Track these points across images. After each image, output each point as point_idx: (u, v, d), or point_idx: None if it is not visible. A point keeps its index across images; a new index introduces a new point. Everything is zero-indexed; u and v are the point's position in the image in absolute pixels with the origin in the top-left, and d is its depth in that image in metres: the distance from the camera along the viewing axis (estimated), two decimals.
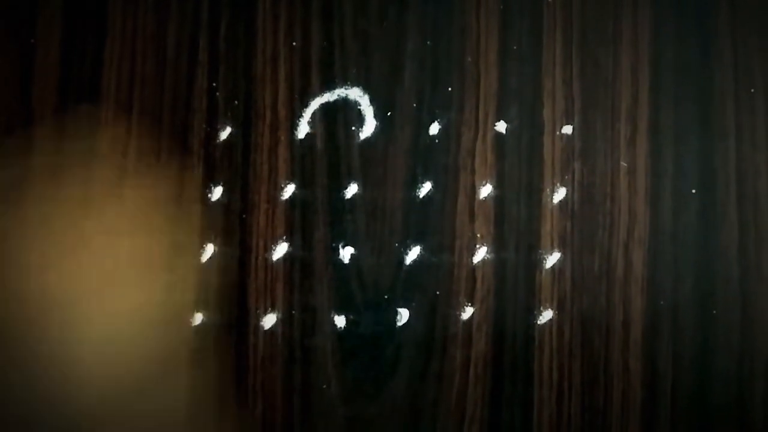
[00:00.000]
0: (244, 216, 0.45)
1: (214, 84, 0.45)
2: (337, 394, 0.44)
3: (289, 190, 0.45)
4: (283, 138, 0.45)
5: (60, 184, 0.35)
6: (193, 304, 0.43)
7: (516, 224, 0.45)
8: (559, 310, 0.45)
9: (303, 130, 0.45)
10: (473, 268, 0.45)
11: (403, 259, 0.45)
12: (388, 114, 0.46)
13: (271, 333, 0.44)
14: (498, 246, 0.45)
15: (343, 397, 0.44)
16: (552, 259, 0.45)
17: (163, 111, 0.45)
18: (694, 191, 0.46)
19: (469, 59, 0.46)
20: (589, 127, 0.46)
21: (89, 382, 0.30)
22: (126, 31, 0.46)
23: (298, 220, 0.45)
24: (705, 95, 0.47)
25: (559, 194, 0.46)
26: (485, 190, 0.45)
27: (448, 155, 0.46)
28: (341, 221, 0.45)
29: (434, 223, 0.45)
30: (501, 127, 0.46)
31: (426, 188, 0.45)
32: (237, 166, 0.45)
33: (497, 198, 0.45)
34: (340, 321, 0.44)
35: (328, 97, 0.46)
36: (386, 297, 0.45)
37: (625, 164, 0.46)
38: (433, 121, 0.46)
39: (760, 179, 0.46)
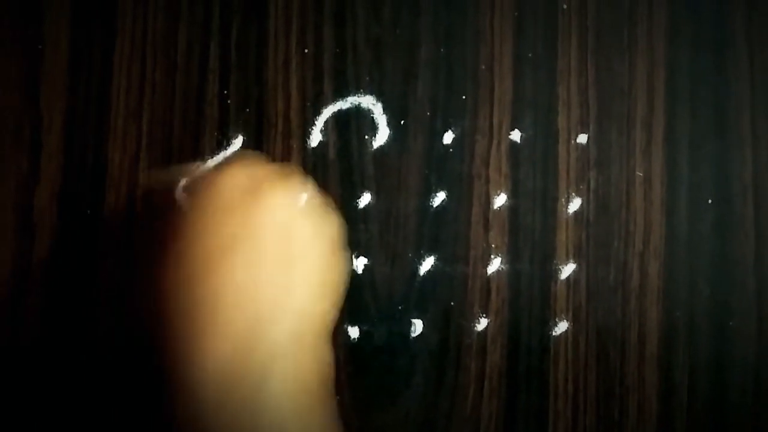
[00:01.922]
0: None
1: (225, 91, 0.45)
2: (350, 405, 0.44)
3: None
4: (295, 146, 0.45)
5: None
6: None
7: (531, 234, 0.45)
8: (575, 322, 0.45)
9: (315, 138, 0.45)
10: (488, 279, 0.45)
11: (416, 270, 0.44)
12: (402, 122, 0.45)
13: None
14: (513, 256, 0.45)
15: (357, 409, 0.44)
16: (567, 269, 0.45)
17: (173, 118, 0.45)
18: (710, 201, 0.45)
19: (483, 67, 0.46)
20: (605, 136, 0.46)
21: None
22: (135, 36, 0.45)
23: None
24: (721, 103, 0.46)
25: (574, 204, 0.45)
26: (500, 200, 0.45)
27: (462, 164, 0.45)
28: (354, 231, 0.44)
29: (448, 233, 0.45)
30: (515, 135, 0.45)
31: (440, 198, 0.45)
32: None
33: (512, 208, 0.45)
34: (353, 332, 0.44)
35: (341, 104, 0.45)
36: (400, 308, 0.44)
37: (641, 173, 0.45)
38: (447, 130, 0.45)
39: None
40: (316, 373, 0.32)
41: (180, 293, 0.31)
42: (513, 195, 0.45)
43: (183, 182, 0.41)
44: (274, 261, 0.31)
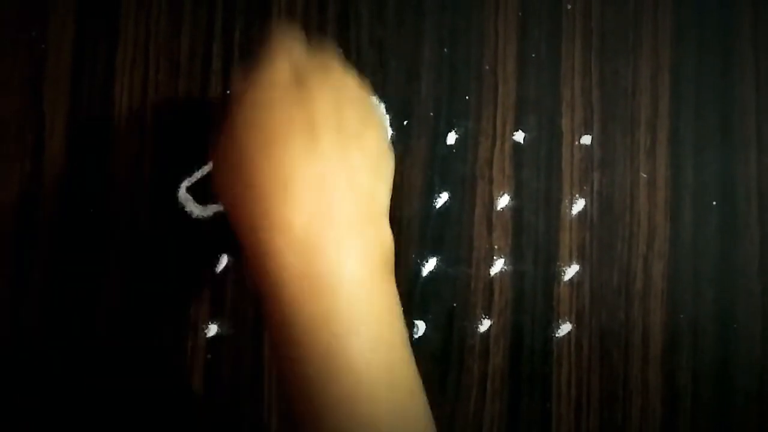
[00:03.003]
0: None
1: (228, 92, 0.45)
2: None
3: None
4: None
5: None
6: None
7: (534, 236, 0.45)
8: (578, 324, 0.44)
9: None
10: (491, 280, 0.45)
11: (419, 271, 0.44)
12: (405, 123, 0.45)
13: None
14: (516, 258, 0.45)
15: None
16: (570, 271, 0.45)
17: (176, 119, 0.45)
18: (714, 203, 0.45)
19: (487, 67, 0.46)
20: (609, 138, 0.46)
21: None
22: (138, 38, 0.45)
23: None
24: (726, 105, 0.46)
25: (578, 205, 0.45)
26: (503, 201, 0.45)
27: (465, 165, 0.45)
28: None
29: (451, 234, 0.45)
30: (519, 136, 0.45)
31: (443, 198, 0.45)
32: None
33: (515, 209, 0.45)
34: None
35: None
36: (402, 309, 0.44)
37: (645, 175, 0.45)
38: (451, 131, 0.45)
39: None
40: (383, 251, 0.33)
41: (247, 170, 0.32)
42: (516, 196, 0.45)
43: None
44: (330, 140, 0.32)
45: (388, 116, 0.45)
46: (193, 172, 0.44)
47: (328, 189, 0.32)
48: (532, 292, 0.45)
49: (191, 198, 0.44)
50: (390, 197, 0.35)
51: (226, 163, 0.34)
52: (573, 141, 0.45)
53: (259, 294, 0.32)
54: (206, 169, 0.44)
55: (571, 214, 0.45)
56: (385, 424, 0.30)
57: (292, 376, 0.31)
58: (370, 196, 0.33)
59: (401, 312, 0.33)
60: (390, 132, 0.45)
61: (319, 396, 0.30)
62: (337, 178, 0.32)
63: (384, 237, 0.33)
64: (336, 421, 0.30)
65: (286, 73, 0.34)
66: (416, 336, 0.44)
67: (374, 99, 0.36)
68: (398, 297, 0.33)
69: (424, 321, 0.44)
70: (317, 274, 0.30)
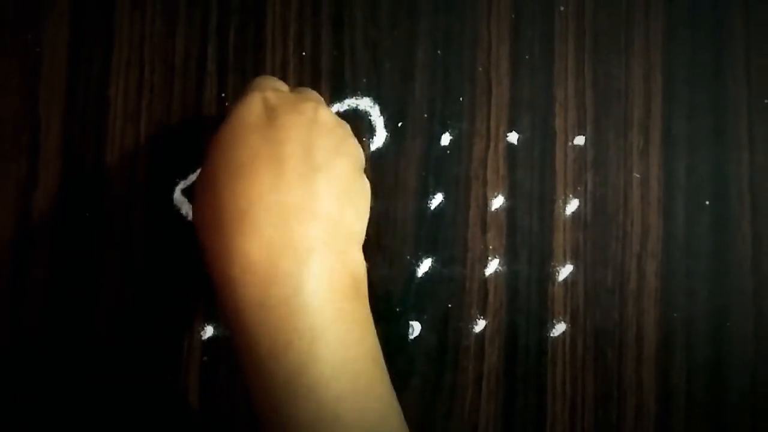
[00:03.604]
0: None
1: (223, 94, 0.45)
2: None
3: None
4: None
5: None
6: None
7: (528, 236, 0.45)
8: (572, 323, 0.45)
9: None
10: (485, 281, 0.45)
11: (414, 272, 0.45)
12: (399, 124, 0.45)
13: None
14: (510, 258, 0.45)
15: None
16: (565, 271, 0.45)
17: (171, 121, 0.45)
18: (707, 203, 0.46)
19: (481, 69, 0.46)
20: (602, 138, 0.46)
21: None
22: (133, 39, 0.45)
23: None
24: (718, 105, 0.46)
25: (572, 205, 0.45)
26: (497, 202, 0.45)
27: (459, 166, 0.45)
28: None
29: (446, 235, 0.45)
30: (513, 137, 0.45)
31: (437, 199, 0.45)
32: None
33: (509, 209, 0.45)
34: None
35: (338, 107, 0.45)
36: (398, 309, 0.44)
37: (638, 175, 0.46)
38: (445, 132, 0.45)
39: None
40: (350, 277, 0.33)
41: (213, 203, 0.33)
42: (510, 197, 0.45)
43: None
44: (296, 172, 0.33)
45: (382, 118, 0.45)
46: (188, 174, 0.44)
47: (289, 217, 0.32)
48: (526, 292, 0.45)
49: (186, 200, 0.44)
50: (365, 224, 0.36)
51: (198, 198, 0.35)
52: (566, 141, 0.46)
53: (224, 323, 0.32)
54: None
55: (564, 215, 0.45)
56: None
57: (257, 401, 0.32)
58: (336, 224, 0.33)
59: (373, 334, 0.34)
60: (385, 134, 0.45)
61: (284, 419, 0.30)
62: (298, 207, 0.32)
63: (352, 262, 0.34)
64: None
65: (258, 110, 0.35)
66: (411, 337, 0.44)
67: (348, 129, 0.37)
68: (371, 322, 0.34)
69: (419, 321, 0.44)
70: (275, 303, 0.31)
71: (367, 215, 0.36)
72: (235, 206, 0.32)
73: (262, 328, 0.31)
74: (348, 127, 0.38)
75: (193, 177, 0.44)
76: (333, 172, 0.34)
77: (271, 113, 0.35)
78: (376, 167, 0.45)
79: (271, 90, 0.36)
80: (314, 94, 0.39)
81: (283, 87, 0.38)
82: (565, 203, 0.45)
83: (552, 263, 0.45)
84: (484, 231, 0.45)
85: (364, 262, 0.35)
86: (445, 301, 0.44)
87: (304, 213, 0.32)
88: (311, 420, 0.30)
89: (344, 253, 0.33)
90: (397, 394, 0.35)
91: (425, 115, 0.45)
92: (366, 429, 0.31)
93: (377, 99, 0.45)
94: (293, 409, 0.30)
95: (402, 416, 0.33)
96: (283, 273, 0.31)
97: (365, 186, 0.37)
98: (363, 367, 0.32)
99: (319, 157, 0.34)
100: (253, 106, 0.35)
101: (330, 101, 0.45)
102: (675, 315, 0.45)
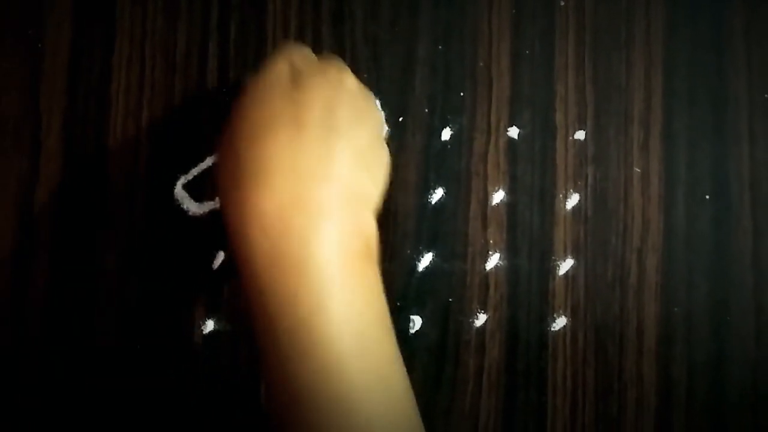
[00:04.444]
0: None
1: (224, 90, 0.45)
2: None
3: None
4: None
5: None
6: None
7: (529, 230, 0.45)
8: (573, 317, 0.45)
9: None
10: (486, 275, 0.45)
11: (415, 266, 0.45)
12: (400, 119, 0.45)
13: None
14: (511, 252, 0.45)
15: None
16: (565, 265, 0.45)
17: (173, 117, 0.45)
18: (707, 197, 0.46)
19: (481, 64, 0.46)
20: (602, 133, 0.46)
21: None
22: (134, 36, 0.45)
23: None
24: (718, 100, 0.46)
25: (572, 200, 0.45)
26: (498, 196, 0.45)
27: (460, 161, 0.45)
28: None
29: (447, 230, 0.45)
30: (513, 132, 0.46)
31: (438, 194, 0.45)
32: None
33: (510, 204, 0.45)
34: None
35: None
36: (399, 304, 0.44)
37: (639, 170, 0.46)
38: (445, 127, 0.45)
39: None
40: (361, 239, 0.34)
41: (234, 160, 0.34)
42: (511, 191, 0.45)
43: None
44: (315, 134, 0.34)
45: (383, 112, 0.45)
46: (190, 169, 0.44)
47: (304, 178, 0.33)
48: (527, 286, 0.45)
49: (187, 195, 0.44)
50: (381, 191, 0.36)
51: (220, 155, 0.36)
52: (567, 136, 0.46)
53: (237, 273, 0.34)
54: (202, 166, 0.44)
55: (565, 209, 0.45)
56: (357, 400, 0.31)
57: (264, 358, 0.33)
58: (350, 187, 0.34)
59: (381, 297, 0.34)
60: (386, 129, 0.45)
61: (288, 374, 0.31)
62: (314, 169, 0.33)
63: (364, 226, 0.35)
64: (310, 393, 0.31)
65: (284, 73, 0.36)
66: (412, 331, 0.44)
67: (375, 99, 0.38)
68: (380, 285, 0.34)
69: (421, 316, 0.44)
70: (286, 257, 0.32)
71: (384, 182, 0.37)
72: (254, 164, 0.33)
73: (272, 281, 0.32)
74: (372, 96, 0.39)
75: (194, 172, 0.44)
76: (352, 137, 0.35)
77: (296, 76, 0.36)
78: None
79: (298, 54, 0.37)
80: (340, 61, 0.39)
81: (310, 53, 0.39)
82: (566, 198, 0.45)
83: (552, 258, 0.45)
84: (484, 226, 0.45)
85: (376, 228, 0.36)
86: (445, 295, 0.45)
87: (320, 174, 0.33)
88: (314, 375, 0.31)
89: (356, 216, 0.34)
90: None
91: (426, 111, 0.45)
92: (369, 388, 0.31)
93: (378, 94, 0.45)
94: (297, 365, 0.31)
95: (407, 380, 0.34)
96: (294, 230, 0.32)
97: (384, 154, 0.38)
98: (369, 327, 0.32)
99: (339, 121, 0.35)
100: (278, 68, 0.36)
101: None
102: (675, 309, 0.45)
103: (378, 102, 0.45)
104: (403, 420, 0.33)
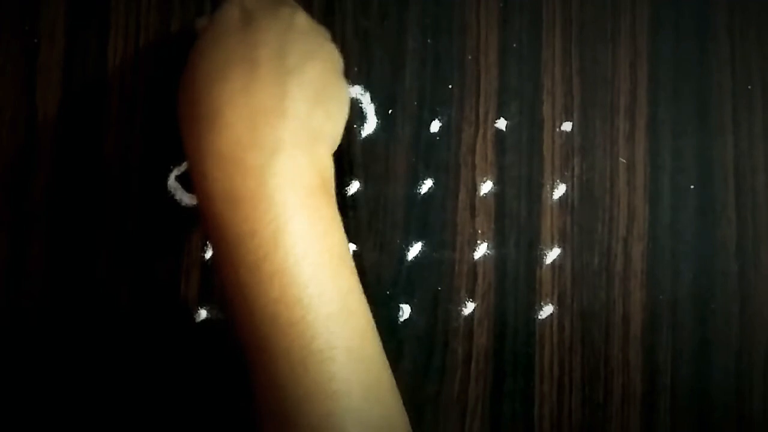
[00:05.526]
0: None
1: None
2: None
3: None
4: None
5: None
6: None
7: (516, 220, 0.46)
8: (560, 305, 0.45)
9: None
10: (474, 264, 0.45)
11: (404, 256, 0.45)
12: (390, 112, 0.46)
13: None
14: (499, 242, 0.46)
15: None
16: (552, 254, 0.46)
17: (167, 109, 0.45)
18: (692, 187, 0.46)
19: (470, 57, 0.46)
20: (589, 124, 0.47)
21: None
22: (129, 30, 0.46)
23: None
24: (703, 91, 0.47)
25: (559, 190, 0.46)
26: (486, 187, 0.46)
27: (448, 152, 0.46)
28: (343, 218, 0.44)
29: (435, 220, 0.45)
30: (501, 124, 0.46)
31: (427, 185, 0.46)
32: None
33: (498, 194, 0.46)
34: None
35: None
36: (388, 293, 0.45)
37: (624, 160, 0.46)
38: (434, 119, 0.46)
39: (758, 175, 0.46)
40: (316, 174, 0.35)
41: (191, 102, 0.35)
42: (499, 182, 0.46)
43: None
44: (267, 72, 0.35)
45: (372, 105, 0.46)
46: (182, 161, 0.45)
47: (258, 117, 0.34)
48: (514, 275, 0.45)
49: (180, 186, 0.45)
50: (339, 126, 0.37)
51: (179, 100, 0.37)
52: (554, 128, 0.46)
53: (201, 215, 0.35)
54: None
55: (552, 199, 0.46)
56: (319, 327, 0.32)
57: (228, 294, 0.34)
58: (303, 123, 0.34)
59: (340, 231, 0.35)
60: (375, 121, 0.45)
61: (249, 305, 0.33)
62: (267, 107, 0.34)
63: (319, 161, 0.35)
64: (271, 321, 0.32)
65: (235, 16, 0.37)
66: (401, 319, 0.45)
67: (325, 34, 0.39)
68: (338, 219, 0.35)
69: (410, 305, 0.45)
70: (242, 195, 0.33)
71: (342, 118, 0.38)
72: (210, 105, 0.34)
73: (231, 218, 0.33)
74: (326, 32, 0.40)
75: (187, 164, 0.45)
76: (305, 74, 0.35)
77: (247, 18, 0.37)
78: (367, 154, 0.46)
79: None
80: (292, 1, 0.40)
81: None
82: (553, 188, 0.46)
83: (540, 247, 0.46)
84: (473, 215, 0.46)
85: (332, 163, 0.36)
86: (434, 284, 0.45)
87: (273, 113, 0.34)
88: (274, 305, 0.32)
89: (311, 152, 0.35)
90: None
91: (415, 103, 0.46)
92: (330, 317, 0.32)
93: (368, 87, 0.46)
94: (257, 295, 0.32)
95: (369, 314, 0.35)
96: (249, 167, 0.33)
97: (340, 90, 0.38)
98: (327, 260, 0.33)
99: (292, 59, 0.35)
100: (230, 11, 0.37)
101: None
102: (660, 297, 0.46)
103: (367, 93, 0.45)
104: (369, 351, 0.34)
